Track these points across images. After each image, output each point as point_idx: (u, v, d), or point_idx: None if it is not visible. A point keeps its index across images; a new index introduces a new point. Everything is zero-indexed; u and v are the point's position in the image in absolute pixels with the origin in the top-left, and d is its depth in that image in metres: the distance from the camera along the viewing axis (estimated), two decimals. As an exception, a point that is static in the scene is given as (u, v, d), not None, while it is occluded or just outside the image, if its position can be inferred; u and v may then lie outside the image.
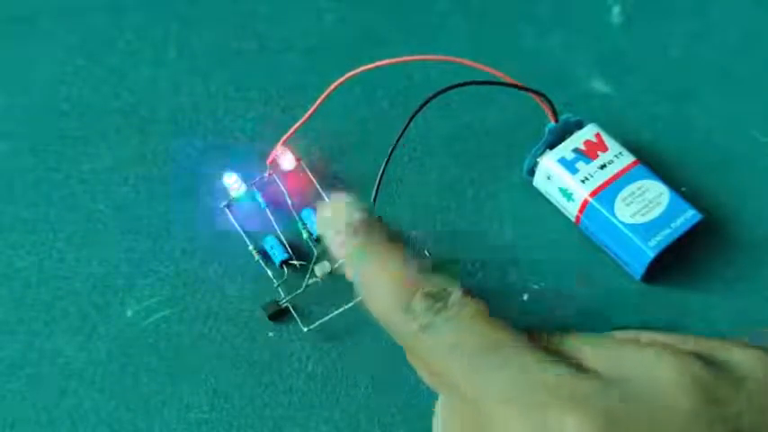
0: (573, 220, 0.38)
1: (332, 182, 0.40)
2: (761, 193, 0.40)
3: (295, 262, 0.37)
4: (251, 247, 0.38)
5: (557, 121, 0.38)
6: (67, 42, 0.43)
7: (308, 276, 0.37)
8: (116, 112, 0.42)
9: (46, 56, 0.43)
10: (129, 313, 0.37)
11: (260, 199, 0.39)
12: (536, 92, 0.37)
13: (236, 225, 0.38)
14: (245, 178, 0.39)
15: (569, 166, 0.37)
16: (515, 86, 0.37)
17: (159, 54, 0.43)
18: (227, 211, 0.39)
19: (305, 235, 0.38)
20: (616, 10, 0.45)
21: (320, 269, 0.36)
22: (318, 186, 0.39)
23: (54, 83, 0.42)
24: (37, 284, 0.38)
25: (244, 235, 0.38)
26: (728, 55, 0.44)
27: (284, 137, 0.39)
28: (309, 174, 0.39)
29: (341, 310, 0.36)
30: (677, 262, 0.37)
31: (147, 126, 0.41)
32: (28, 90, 0.42)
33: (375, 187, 0.33)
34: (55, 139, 0.41)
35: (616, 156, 0.38)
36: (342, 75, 0.37)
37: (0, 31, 0.44)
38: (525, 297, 0.37)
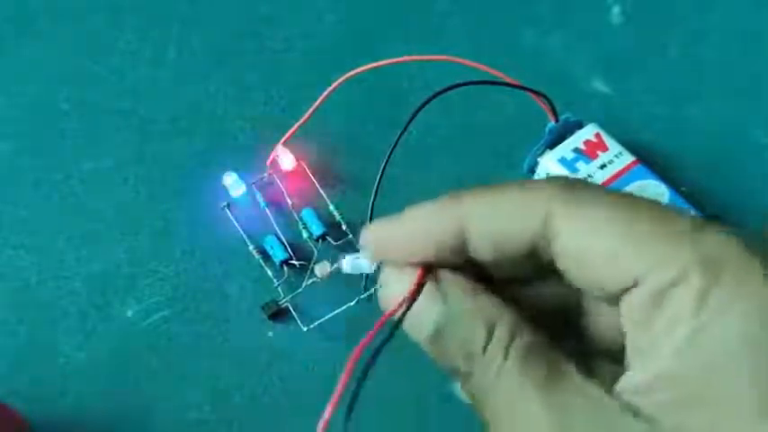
0: (573, 220, 0.38)
1: (332, 182, 0.40)
2: (761, 193, 0.40)
3: (295, 262, 0.37)
4: (251, 247, 0.38)
5: (557, 120, 0.38)
6: (67, 42, 0.43)
7: (307, 276, 0.37)
8: (116, 112, 0.42)
9: (46, 56, 0.43)
10: (129, 313, 0.37)
11: (260, 199, 0.39)
12: (536, 92, 0.37)
13: (237, 225, 0.38)
14: (245, 178, 0.39)
15: (569, 165, 0.37)
16: (515, 86, 0.37)
17: (159, 54, 0.43)
18: (226, 211, 0.39)
19: (305, 235, 0.38)
20: (616, 10, 0.45)
21: (320, 269, 0.36)
22: (318, 186, 0.39)
23: (54, 83, 0.42)
24: (37, 284, 0.38)
25: (244, 235, 0.38)
26: (728, 55, 0.44)
27: (284, 137, 0.39)
28: (309, 174, 0.39)
29: (341, 309, 0.36)
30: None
31: (147, 126, 0.41)
32: (28, 90, 0.42)
33: (375, 187, 0.33)
34: (55, 139, 0.41)
35: (616, 156, 0.38)
36: (342, 75, 0.37)
37: (0, 31, 0.44)
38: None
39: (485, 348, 0.23)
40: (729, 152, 0.41)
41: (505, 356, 0.23)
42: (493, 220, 0.23)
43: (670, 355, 0.22)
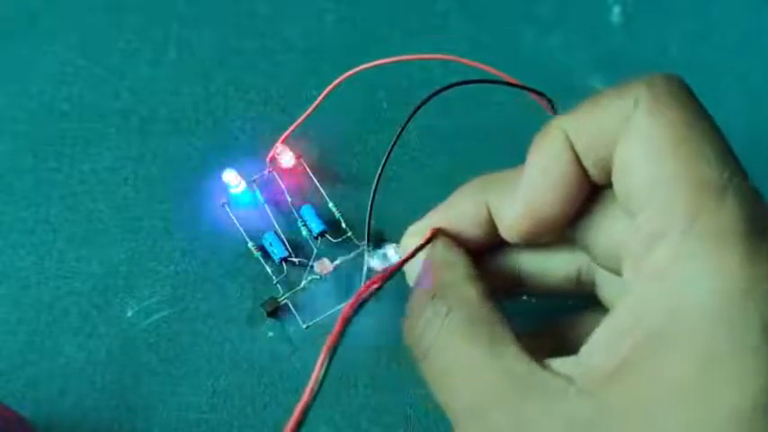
0: (573, 219, 0.38)
1: (332, 180, 0.40)
2: (762, 193, 0.39)
3: (294, 259, 0.37)
4: (250, 245, 0.38)
5: (557, 120, 0.38)
6: (67, 42, 0.43)
7: (306, 273, 0.37)
8: (116, 112, 0.42)
9: (46, 56, 0.43)
10: (129, 313, 0.37)
11: (259, 196, 0.39)
12: (536, 91, 0.37)
13: (237, 223, 0.38)
14: (246, 178, 0.39)
15: (569, 165, 0.37)
16: (515, 86, 0.37)
17: (159, 54, 0.43)
18: (226, 208, 0.39)
19: (304, 232, 0.38)
20: (616, 10, 0.45)
21: (320, 266, 0.36)
22: (318, 184, 0.39)
23: (54, 83, 0.42)
24: (37, 284, 0.38)
25: (243, 233, 0.38)
26: (728, 55, 0.44)
27: (284, 135, 0.39)
28: (309, 171, 0.39)
29: (341, 307, 0.36)
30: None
31: (147, 126, 0.41)
32: (28, 90, 0.42)
33: (374, 186, 0.33)
34: (55, 139, 0.41)
35: (616, 155, 0.37)
36: (342, 75, 0.37)
37: (0, 31, 0.44)
38: (525, 297, 0.37)
39: (425, 305, 0.25)
40: (729, 152, 0.41)
41: (446, 317, 0.25)
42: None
43: (618, 315, 0.22)
